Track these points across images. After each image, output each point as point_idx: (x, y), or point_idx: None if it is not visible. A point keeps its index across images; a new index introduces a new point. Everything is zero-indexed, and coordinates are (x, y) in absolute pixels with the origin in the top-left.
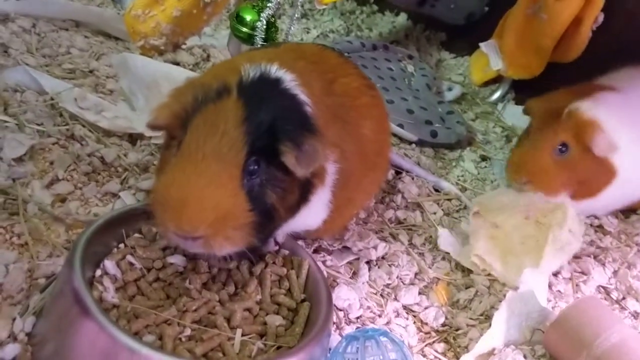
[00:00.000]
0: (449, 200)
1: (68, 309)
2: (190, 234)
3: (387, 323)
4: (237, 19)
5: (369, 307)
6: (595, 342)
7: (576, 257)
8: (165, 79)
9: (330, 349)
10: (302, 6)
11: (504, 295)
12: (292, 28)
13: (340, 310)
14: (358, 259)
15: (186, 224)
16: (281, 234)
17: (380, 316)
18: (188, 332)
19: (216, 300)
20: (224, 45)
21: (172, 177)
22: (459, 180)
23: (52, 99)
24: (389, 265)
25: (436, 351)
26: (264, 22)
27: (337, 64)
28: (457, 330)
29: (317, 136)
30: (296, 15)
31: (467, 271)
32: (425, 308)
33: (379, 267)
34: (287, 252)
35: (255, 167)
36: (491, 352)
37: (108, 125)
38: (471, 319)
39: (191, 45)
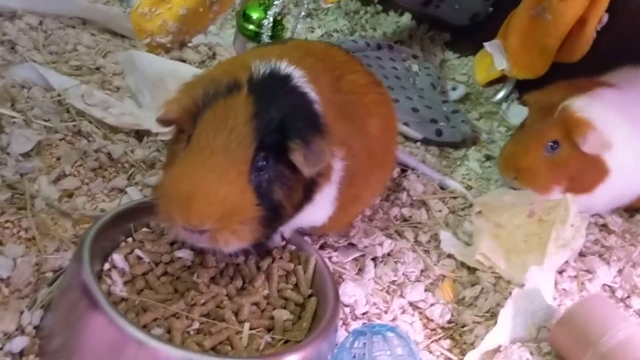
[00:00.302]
0: (455, 198)
1: (76, 302)
2: (197, 227)
3: (393, 319)
4: (244, 16)
5: (374, 304)
6: (601, 339)
7: (581, 255)
8: (172, 76)
9: (337, 344)
10: (307, 5)
11: (510, 293)
12: (298, 27)
13: (347, 306)
14: (363, 255)
15: (194, 218)
16: (288, 229)
17: (386, 312)
18: (196, 325)
19: (224, 294)
20: (230, 43)
21: (181, 171)
22: (463, 179)
23: (59, 95)
24: (395, 262)
25: (442, 348)
26: (271, 20)
27: (344, 61)
28: (463, 327)
29: (325, 135)
30: (302, 13)
31: (472, 269)
32: (431, 305)
33: (384, 264)
34: (294, 247)
35: (264, 163)
36: (497, 349)
37: (115, 122)
38: (477, 316)
39: (197, 43)
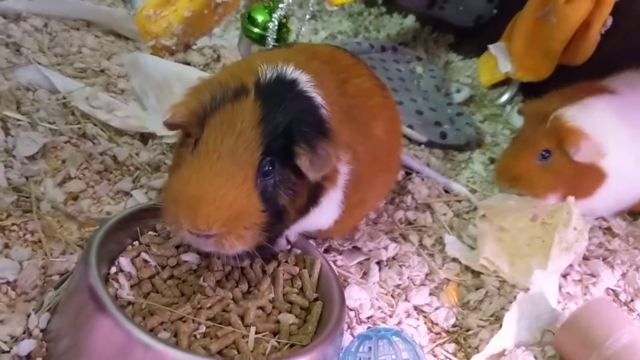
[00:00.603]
0: (459, 201)
1: (83, 305)
2: (204, 231)
3: (398, 323)
4: (249, 19)
5: (379, 307)
6: (605, 343)
7: (585, 259)
8: (176, 78)
9: (342, 348)
10: (312, 8)
11: (515, 297)
12: (302, 29)
13: (351, 310)
14: (368, 259)
15: (201, 222)
16: (293, 233)
17: (391, 316)
18: (203, 329)
19: (230, 298)
20: (234, 45)
21: (189, 175)
22: (468, 182)
23: (64, 97)
24: (400, 266)
25: (447, 351)
26: (276, 22)
27: (349, 64)
28: (467, 331)
29: (331, 140)
30: (307, 16)
31: (477, 272)
32: (436, 309)
33: (389, 268)
34: (299, 251)
35: (270, 167)
36: (502, 353)
37: (119, 124)
38: (481, 319)
39: (202, 45)
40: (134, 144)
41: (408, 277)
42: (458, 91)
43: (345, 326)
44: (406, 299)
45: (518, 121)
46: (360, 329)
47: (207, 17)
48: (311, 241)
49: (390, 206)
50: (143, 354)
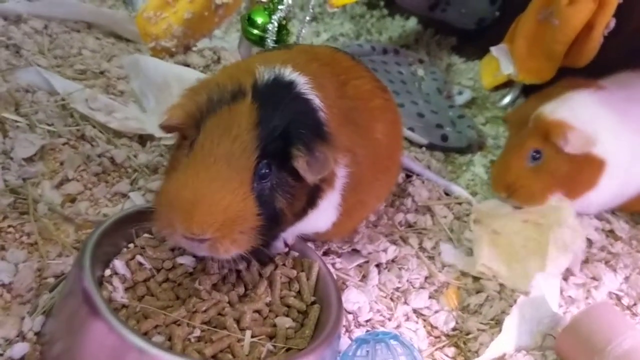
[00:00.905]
0: (460, 204)
1: (77, 308)
2: (198, 236)
3: (397, 327)
4: (249, 21)
5: (378, 311)
6: (607, 348)
7: (587, 262)
8: (176, 80)
9: (340, 352)
10: (313, 10)
11: (515, 300)
12: (303, 31)
13: (350, 313)
14: (367, 262)
15: (196, 226)
16: (291, 235)
17: (390, 320)
18: (197, 333)
19: (226, 301)
20: (235, 47)
21: (184, 179)
22: (469, 184)
23: (63, 99)
24: (399, 269)
25: (446, 355)
26: (276, 24)
27: (350, 66)
28: (467, 334)
29: (329, 142)
30: (307, 18)
31: (477, 276)
32: (436, 312)
33: (388, 271)
34: (297, 254)
35: (267, 170)
36: (502, 357)
37: (118, 126)
38: (482, 323)
39: (202, 47)
40: (132, 146)
41: (407, 280)
42: (460, 93)
43: (344, 329)
44: (405, 302)
45: None
46: (358, 333)
47: (208, 19)
48: (310, 244)
49: (390, 209)
50: (137, 358)
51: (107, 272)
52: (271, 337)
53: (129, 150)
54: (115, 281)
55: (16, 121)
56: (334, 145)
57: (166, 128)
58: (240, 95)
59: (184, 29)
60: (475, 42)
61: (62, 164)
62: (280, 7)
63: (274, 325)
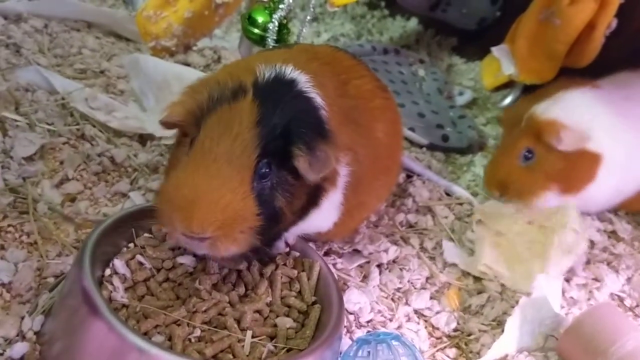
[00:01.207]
0: (461, 204)
1: (77, 308)
2: (199, 234)
3: (398, 327)
4: (249, 20)
5: (379, 311)
6: (610, 349)
7: (589, 263)
8: (176, 79)
9: (341, 353)
10: (313, 9)
11: (517, 301)
12: (304, 30)
13: (351, 313)
14: (369, 262)
15: (196, 225)
16: (292, 235)
17: (391, 320)
18: (198, 333)
19: (226, 301)
20: (235, 47)
21: (184, 177)
22: (469, 185)
23: (63, 98)
24: (400, 269)
25: (448, 356)
26: (276, 23)
27: (350, 65)
28: (469, 335)
29: (330, 142)
30: (308, 17)
31: (478, 276)
32: (437, 313)
33: (389, 271)
34: (298, 254)
35: (267, 169)
36: (504, 359)
37: (118, 126)
38: (483, 324)
39: (202, 46)
40: (132, 145)
41: (409, 281)
42: (461, 94)
43: (345, 330)
44: (406, 303)
45: None
46: (359, 333)
47: (208, 18)
48: (311, 244)
49: (391, 209)
50: (137, 358)
51: (107, 271)
52: (272, 337)
53: (129, 150)
54: (115, 281)
55: (16, 120)
56: (336, 144)
57: (166, 124)
58: (241, 93)
59: (184, 28)
60: (476, 42)
61: (62, 163)
62: (280, 6)
63: (275, 326)
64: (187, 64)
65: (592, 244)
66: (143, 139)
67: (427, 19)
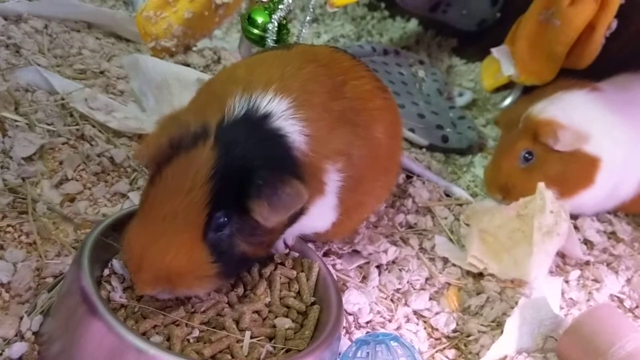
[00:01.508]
0: (460, 205)
1: (75, 308)
2: (147, 293)
3: (398, 328)
4: (249, 20)
5: (379, 312)
6: (610, 350)
7: (589, 264)
8: (176, 80)
9: (340, 353)
10: (314, 11)
11: (516, 302)
12: (304, 31)
13: (350, 314)
14: (368, 262)
15: (141, 287)
16: (291, 236)
17: (390, 321)
18: (196, 333)
19: (225, 302)
20: (235, 47)
21: (136, 230)
22: (469, 185)
23: (62, 99)
24: (400, 270)
25: (447, 357)
26: (276, 24)
27: (349, 66)
28: (468, 336)
29: (304, 176)
30: (308, 18)
31: (478, 277)
32: (436, 314)
33: (389, 272)
34: (297, 254)
35: (224, 219)
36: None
37: (118, 126)
38: (482, 325)
39: (202, 47)
40: (132, 146)
41: (408, 282)
42: (460, 95)
43: (344, 331)
44: (406, 304)
45: None
46: (358, 334)
47: (208, 18)
48: (310, 244)
49: (391, 209)
50: (135, 358)
51: (106, 271)
52: (270, 337)
53: (129, 150)
54: (114, 281)
55: (15, 120)
56: (308, 181)
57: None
58: (202, 138)
59: (184, 29)
60: (476, 43)
61: (61, 163)
62: (280, 6)
63: (274, 326)
64: (187, 65)
65: (591, 244)
66: (142, 139)
67: (427, 20)
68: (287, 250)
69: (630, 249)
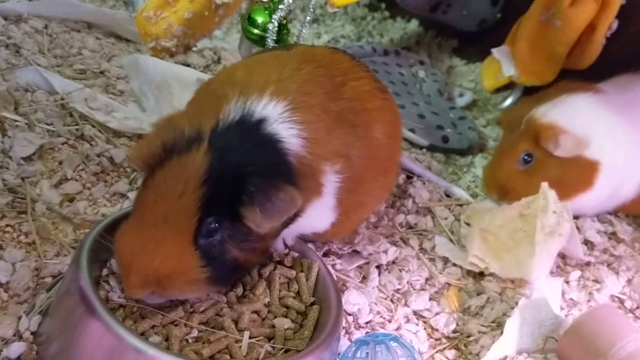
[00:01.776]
0: (460, 205)
1: (74, 308)
2: (136, 297)
3: (397, 329)
4: (249, 20)
5: (378, 312)
6: (610, 351)
7: (589, 264)
8: (176, 79)
9: (339, 354)
10: (314, 11)
11: (516, 303)
12: (304, 31)
13: (350, 314)
14: (368, 263)
15: (130, 290)
16: (290, 236)
17: (390, 321)
18: (195, 333)
19: (224, 302)
20: (235, 47)
21: (126, 235)
22: (470, 186)
23: (62, 99)
24: (399, 270)
25: (447, 358)
26: (276, 24)
27: (348, 67)
28: (468, 337)
29: (298, 181)
30: (308, 18)
31: (478, 277)
32: (436, 314)
33: (389, 272)
34: (296, 254)
35: (215, 225)
36: None
37: (118, 126)
38: (483, 325)
39: (202, 47)
40: (131, 146)
41: (408, 282)
42: (461, 95)
43: (343, 331)
44: (406, 304)
45: None
46: (358, 334)
47: (208, 18)
48: (310, 245)
49: (391, 210)
50: (134, 358)
51: (105, 271)
52: (270, 338)
53: (128, 150)
54: (113, 281)
55: (15, 120)
56: (302, 188)
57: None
58: (196, 142)
59: (184, 29)
60: (476, 44)
61: (60, 163)
62: (280, 6)
63: (273, 326)
64: (187, 65)
65: (592, 245)
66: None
67: (427, 20)
68: (287, 250)
69: (630, 249)
